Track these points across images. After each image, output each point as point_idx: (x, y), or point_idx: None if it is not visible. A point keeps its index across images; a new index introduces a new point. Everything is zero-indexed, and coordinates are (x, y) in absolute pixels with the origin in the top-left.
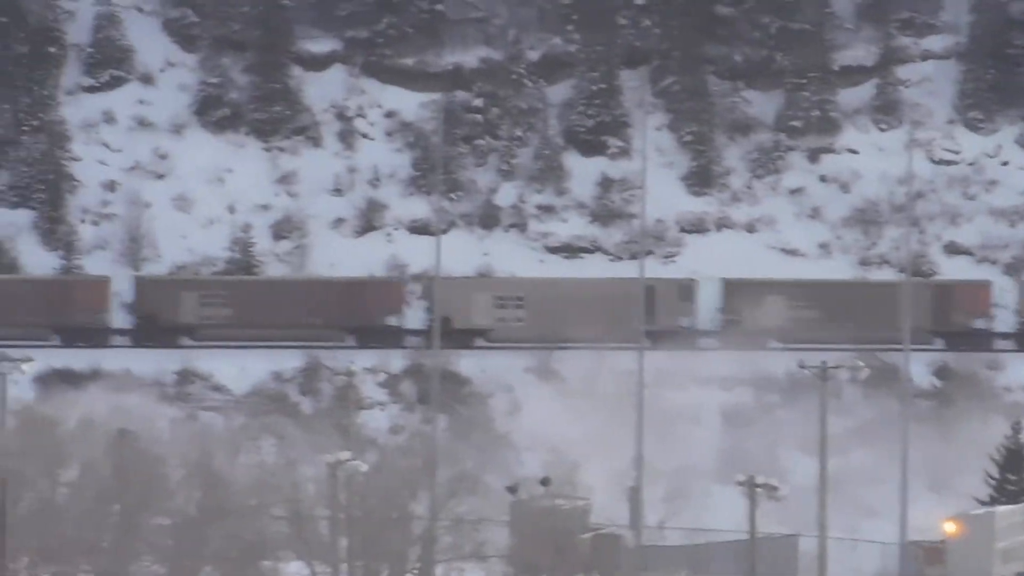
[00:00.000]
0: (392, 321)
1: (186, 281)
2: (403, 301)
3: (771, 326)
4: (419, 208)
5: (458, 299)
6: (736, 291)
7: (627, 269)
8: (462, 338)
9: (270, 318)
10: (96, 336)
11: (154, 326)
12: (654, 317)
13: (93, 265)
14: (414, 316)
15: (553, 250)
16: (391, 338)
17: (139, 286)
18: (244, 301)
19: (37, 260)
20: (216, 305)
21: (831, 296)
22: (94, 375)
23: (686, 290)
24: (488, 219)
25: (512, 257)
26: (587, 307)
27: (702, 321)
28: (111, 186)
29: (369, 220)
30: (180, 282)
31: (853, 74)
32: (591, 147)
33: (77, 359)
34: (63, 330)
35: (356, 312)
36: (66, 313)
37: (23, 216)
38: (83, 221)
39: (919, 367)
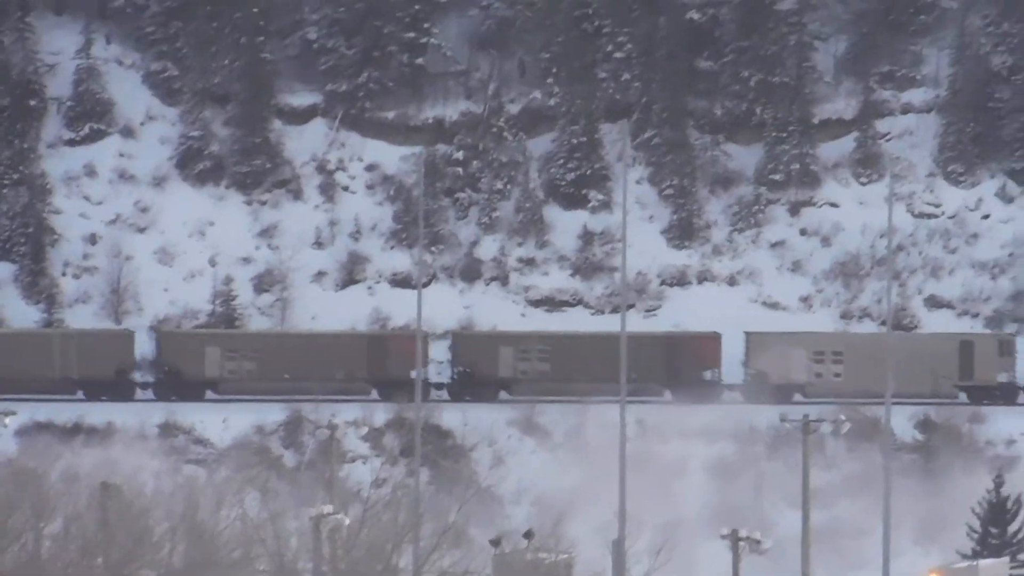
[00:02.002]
0: (708, 375)
1: (502, 336)
2: (720, 355)
3: None
4: (401, 261)
5: (775, 354)
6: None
7: (608, 323)
8: (780, 393)
9: (586, 372)
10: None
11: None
12: (972, 372)
13: (75, 318)
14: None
15: (535, 303)
16: (709, 392)
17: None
18: (557, 356)
19: (19, 313)
20: (532, 360)
21: None
22: (76, 429)
23: (1007, 345)
24: (470, 272)
25: (494, 310)
26: (906, 362)
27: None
28: (93, 239)
29: (351, 273)
30: (496, 336)
31: (833, 127)
32: (572, 200)
33: (62, 412)
34: (379, 383)
35: (674, 366)
36: (383, 367)
37: (4, 269)
38: (65, 274)
39: (902, 421)
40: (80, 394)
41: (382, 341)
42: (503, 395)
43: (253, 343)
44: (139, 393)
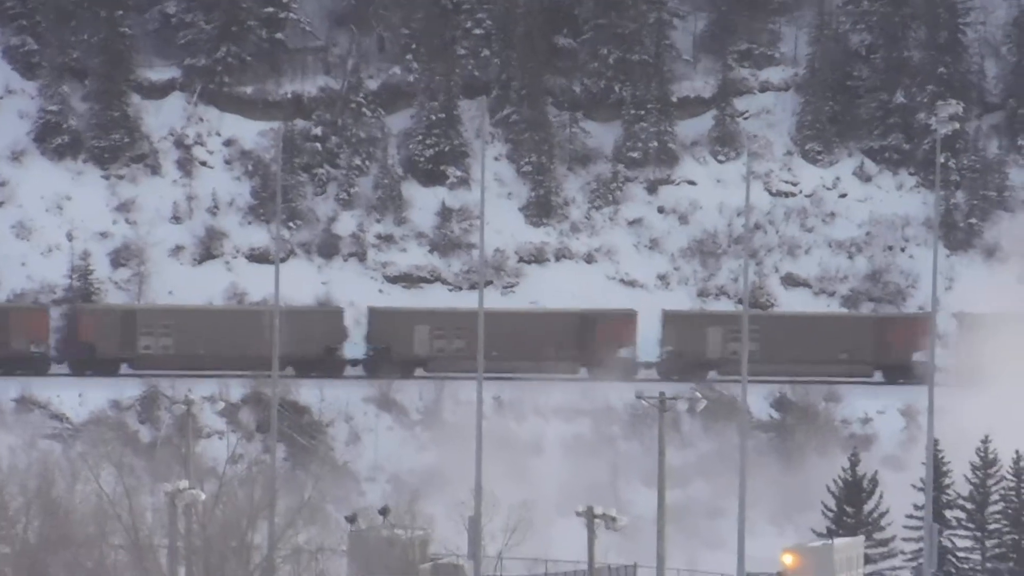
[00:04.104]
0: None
1: (711, 316)
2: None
3: None
4: (258, 236)
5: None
6: None
7: (466, 299)
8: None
9: (791, 353)
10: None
11: None
12: None
13: None
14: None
15: (393, 279)
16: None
17: None
18: (766, 336)
19: None
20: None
21: None
22: None
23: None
24: (328, 248)
25: (352, 286)
26: None
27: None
28: None
29: (208, 248)
30: (706, 317)
31: (691, 105)
32: (430, 177)
33: None
34: (588, 363)
35: (883, 348)
36: (592, 346)
37: None
38: None
39: (758, 399)
40: (290, 370)
41: (592, 320)
42: (712, 375)
43: (462, 321)
44: (348, 370)
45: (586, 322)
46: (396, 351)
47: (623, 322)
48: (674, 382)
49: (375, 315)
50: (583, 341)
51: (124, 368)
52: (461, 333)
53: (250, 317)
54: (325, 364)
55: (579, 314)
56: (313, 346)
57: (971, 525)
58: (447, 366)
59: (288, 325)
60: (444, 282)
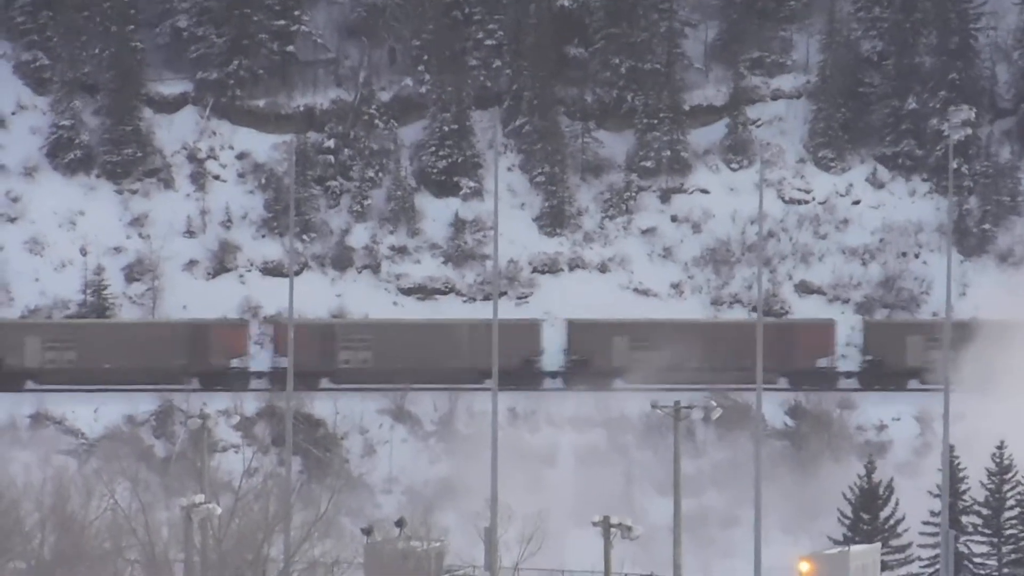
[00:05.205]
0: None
1: (910, 325)
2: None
3: None
4: (272, 250)
5: None
6: None
7: (480, 310)
8: None
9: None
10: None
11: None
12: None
13: None
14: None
15: (406, 291)
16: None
17: None
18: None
19: None
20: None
21: None
22: None
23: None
24: (341, 260)
25: (366, 299)
26: None
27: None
28: None
29: (222, 262)
30: (905, 325)
31: (704, 114)
32: (443, 188)
33: None
34: (787, 372)
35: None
36: (791, 356)
37: None
38: None
39: (771, 407)
40: (487, 383)
41: (791, 330)
42: (912, 383)
43: (661, 332)
44: (547, 382)
45: (785, 332)
46: (595, 363)
47: (822, 331)
48: (875, 391)
49: (574, 327)
50: (783, 351)
51: (324, 383)
52: (654, 344)
53: (447, 331)
54: (523, 376)
55: (777, 324)
56: (511, 358)
57: (987, 531)
58: (645, 377)
59: (486, 338)
60: (458, 293)
